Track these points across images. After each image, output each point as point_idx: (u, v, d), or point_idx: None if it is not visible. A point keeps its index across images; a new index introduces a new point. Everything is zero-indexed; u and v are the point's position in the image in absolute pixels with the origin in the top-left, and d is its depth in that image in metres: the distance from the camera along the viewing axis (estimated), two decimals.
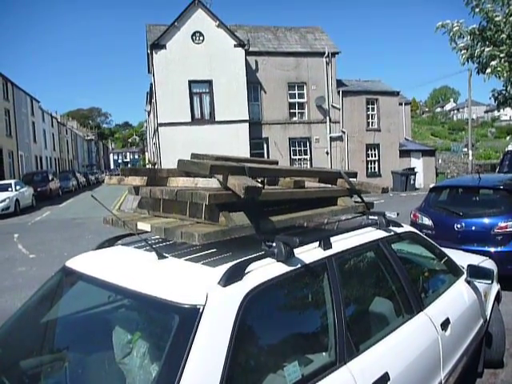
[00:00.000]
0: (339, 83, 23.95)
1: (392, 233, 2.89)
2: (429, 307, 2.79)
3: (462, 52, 7.25)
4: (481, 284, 3.39)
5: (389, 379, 2.14)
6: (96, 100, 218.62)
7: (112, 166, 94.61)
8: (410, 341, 2.49)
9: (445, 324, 2.78)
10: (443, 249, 3.52)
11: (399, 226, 3.04)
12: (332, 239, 2.36)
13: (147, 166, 37.55)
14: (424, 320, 2.67)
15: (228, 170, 2.19)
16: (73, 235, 12.40)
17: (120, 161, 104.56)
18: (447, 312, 2.88)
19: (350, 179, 3.09)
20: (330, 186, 3.15)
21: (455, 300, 3.13)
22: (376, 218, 2.89)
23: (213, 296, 1.72)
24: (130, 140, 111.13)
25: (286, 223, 2.40)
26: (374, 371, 2.12)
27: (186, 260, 2.11)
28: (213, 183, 2.35)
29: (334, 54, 23.30)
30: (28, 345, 2.34)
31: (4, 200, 17.85)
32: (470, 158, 28.80)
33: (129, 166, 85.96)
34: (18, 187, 19.75)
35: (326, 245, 2.30)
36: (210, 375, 1.58)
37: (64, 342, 2.41)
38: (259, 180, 3.00)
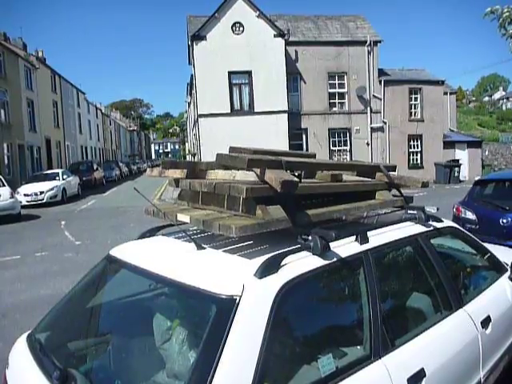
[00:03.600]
0: (381, 72, 23.34)
1: (431, 228, 2.84)
2: (469, 304, 2.73)
3: None
4: None
5: (425, 375, 2.12)
6: (138, 91, 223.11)
7: (153, 156, 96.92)
8: (447, 337, 2.46)
9: (485, 322, 2.71)
10: (486, 244, 3.42)
11: (439, 220, 2.98)
12: (369, 233, 2.35)
13: (187, 157, 38.21)
14: (463, 317, 2.62)
15: (265, 163, 2.22)
16: (116, 223, 12.85)
17: (161, 151, 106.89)
18: (488, 310, 2.81)
19: (389, 173, 3.05)
20: (368, 179, 3.12)
21: (497, 298, 3.04)
22: (415, 212, 2.84)
23: (249, 287, 1.76)
24: (170, 130, 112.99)
25: (323, 217, 2.40)
26: (409, 367, 2.11)
27: (223, 251, 2.16)
28: (250, 176, 2.39)
29: (376, 43, 22.73)
30: (75, 328, 2.47)
31: (52, 188, 18.65)
32: None
33: (169, 156, 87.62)
34: (64, 176, 20.62)
35: (363, 239, 2.29)
36: (245, 363, 1.63)
37: (108, 327, 2.54)
38: (296, 174, 3.01)
